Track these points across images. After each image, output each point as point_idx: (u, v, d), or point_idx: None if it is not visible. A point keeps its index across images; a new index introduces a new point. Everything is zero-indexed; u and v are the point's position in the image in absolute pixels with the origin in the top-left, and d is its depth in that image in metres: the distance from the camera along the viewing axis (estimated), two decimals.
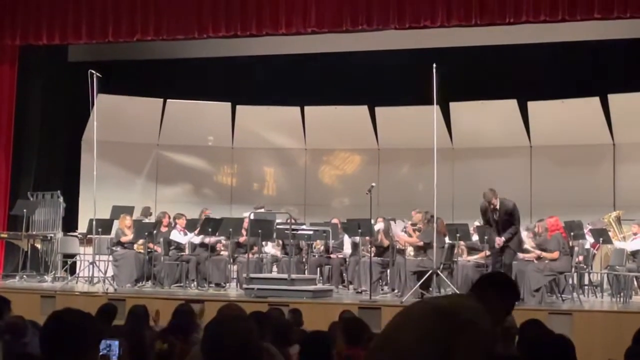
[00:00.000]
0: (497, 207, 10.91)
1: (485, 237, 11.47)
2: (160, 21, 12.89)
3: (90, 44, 13.86)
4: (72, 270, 13.73)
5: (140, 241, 12.82)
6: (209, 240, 12.61)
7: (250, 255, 12.47)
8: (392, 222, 12.23)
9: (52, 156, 15.52)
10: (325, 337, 5.04)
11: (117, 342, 3.11)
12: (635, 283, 11.71)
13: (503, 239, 10.68)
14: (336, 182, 16.89)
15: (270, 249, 13.61)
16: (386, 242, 12.37)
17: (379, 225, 12.43)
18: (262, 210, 13.96)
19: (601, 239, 12.39)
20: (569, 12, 11.32)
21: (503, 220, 10.81)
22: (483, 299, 3.27)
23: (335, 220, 13.43)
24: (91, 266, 12.52)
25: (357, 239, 12.45)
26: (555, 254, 11.00)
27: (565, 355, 3.12)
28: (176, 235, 12.90)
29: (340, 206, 15.99)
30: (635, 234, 12.51)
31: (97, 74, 12.28)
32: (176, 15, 12.85)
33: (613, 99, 14.33)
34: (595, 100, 14.40)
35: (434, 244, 10.87)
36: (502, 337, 4.94)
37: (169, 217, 13.24)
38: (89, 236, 13.22)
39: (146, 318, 6.27)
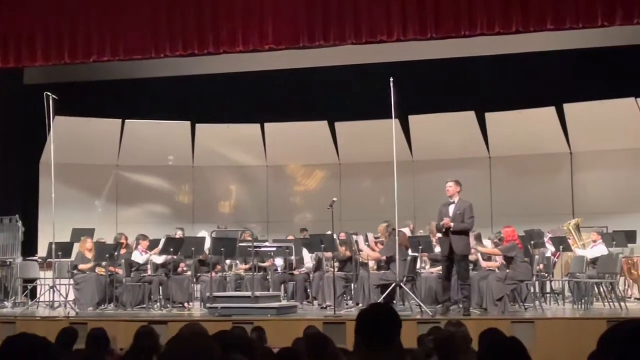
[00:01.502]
0: (455, 199, 10.92)
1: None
2: (116, 42, 12.79)
3: (46, 66, 13.71)
4: (33, 295, 13.52)
5: (103, 264, 12.67)
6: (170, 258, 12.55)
7: (214, 274, 12.40)
8: (353, 237, 12.25)
9: (10, 180, 15.30)
10: (291, 353, 5.02)
11: None
12: (596, 290, 11.84)
13: (451, 222, 10.47)
14: (298, 198, 16.90)
15: (238, 267, 13.56)
16: (348, 253, 12.37)
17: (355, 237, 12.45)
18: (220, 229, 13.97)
19: (561, 247, 12.54)
20: (523, 24, 11.44)
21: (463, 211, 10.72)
22: None
23: (291, 237, 13.48)
24: (52, 290, 12.35)
25: (321, 254, 12.45)
26: (495, 251, 11.26)
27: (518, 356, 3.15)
28: (137, 257, 12.79)
29: (302, 222, 15.99)
30: (594, 241, 12.68)
31: (54, 97, 12.16)
32: (133, 36, 12.76)
33: (569, 108, 14.55)
34: (552, 110, 14.60)
35: (397, 257, 10.89)
36: (458, 348, 4.97)
37: (126, 239, 13.14)
38: (49, 260, 13.05)
39: (106, 341, 6.18)
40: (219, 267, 13.00)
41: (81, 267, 12.67)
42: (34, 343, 2.54)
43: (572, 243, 13.06)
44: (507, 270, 10.93)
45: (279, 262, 13.23)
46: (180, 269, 13.04)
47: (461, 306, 10.56)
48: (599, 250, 12.39)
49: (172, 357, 2.75)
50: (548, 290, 12.89)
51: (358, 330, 3.41)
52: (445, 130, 15.28)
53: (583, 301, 11.50)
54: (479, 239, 12.08)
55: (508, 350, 3.22)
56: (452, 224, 10.47)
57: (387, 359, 3.28)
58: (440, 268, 12.25)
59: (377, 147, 14.26)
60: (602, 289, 11.78)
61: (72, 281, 12.77)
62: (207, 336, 2.95)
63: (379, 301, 10.71)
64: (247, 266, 13.20)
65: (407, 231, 12.99)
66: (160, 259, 12.75)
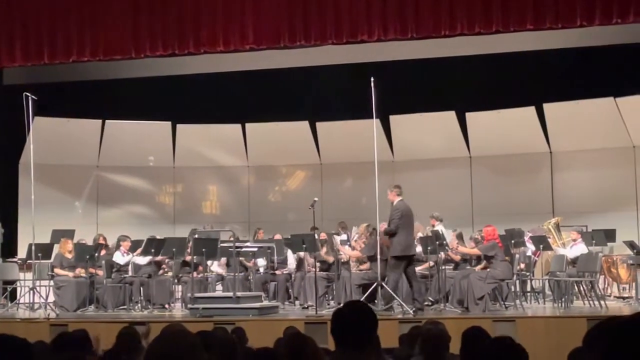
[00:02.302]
0: (394, 204, 11.07)
1: (429, 248, 11.58)
2: (96, 42, 12.73)
3: (25, 66, 13.62)
4: (12, 296, 13.42)
5: (80, 268, 12.61)
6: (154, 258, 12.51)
7: (195, 275, 12.37)
8: (334, 237, 12.27)
9: None
10: (272, 353, 5.01)
11: None
12: (576, 288, 11.92)
13: (385, 225, 10.86)
14: (280, 198, 16.88)
15: (216, 267, 13.52)
16: (331, 259, 12.40)
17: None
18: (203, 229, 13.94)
19: (541, 245, 12.62)
20: (503, 24, 11.50)
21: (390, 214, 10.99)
22: None
23: (277, 236, 13.43)
24: (32, 292, 12.27)
25: (302, 254, 12.46)
26: (475, 251, 11.34)
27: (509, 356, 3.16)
28: (118, 257, 12.74)
29: (284, 222, 15.97)
30: (574, 240, 12.76)
31: (33, 97, 12.10)
32: (112, 36, 12.70)
33: (548, 108, 14.63)
34: (531, 110, 14.68)
35: (378, 257, 10.92)
36: (446, 346, 4.99)
37: (105, 240, 13.10)
38: (28, 261, 12.95)
39: (87, 342, 6.14)
40: (200, 268, 12.96)
41: (59, 272, 12.56)
42: (12, 344, 2.53)
43: (552, 242, 13.14)
44: (488, 270, 10.99)
45: (262, 262, 13.21)
46: (161, 271, 13.00)
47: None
48: (579, 249, 12.47)
49: (155, 357, 2.75)
50: (528, 288, 12.96)
51: (333, 329, 3.42)
52: (426, 130, 15.33)
53: (563, 299, 11.57)
54: (460, 237, 12.13)
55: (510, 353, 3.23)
56: (385, 225, 10.85)
57: (364, 358, 3.29)
58: (421, 267, 12.32)
59: (358, 147, 14.29)
60: (581, 288, 11.85)
61: (51, 282, 12.69)
62: (191, 336, 2.94)
63: (360, 300, 10.74)
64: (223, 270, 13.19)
65: None
66: (144, 260, 12.70)
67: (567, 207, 14.70)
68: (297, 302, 12.66)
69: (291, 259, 13.18)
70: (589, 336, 1.92)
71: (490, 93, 14.99)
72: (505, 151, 15.18)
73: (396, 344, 6.77)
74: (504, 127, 14.85)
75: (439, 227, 12.62)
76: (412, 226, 11.20)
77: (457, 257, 12.09)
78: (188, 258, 12.71)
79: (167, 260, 12.97)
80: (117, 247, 12.90)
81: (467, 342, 4.76)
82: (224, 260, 13.26)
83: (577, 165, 14.98)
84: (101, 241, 13.08)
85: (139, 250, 12.56)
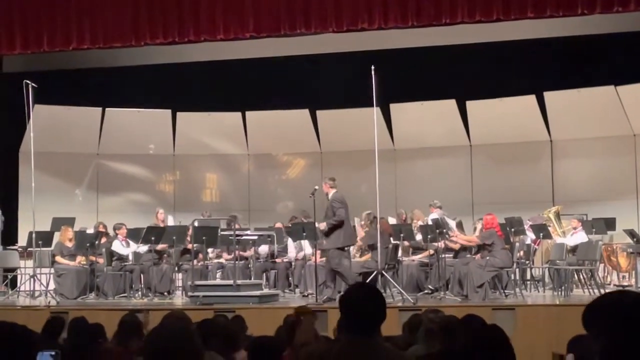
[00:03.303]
0: (329, 197, 11.11)
1: (429, 237, 11.60)
2: (96, 29, 12.70)
3: (25, 54, 13.59)
4: (13, 284, 13.45)
5: (80, 256, 12.64)
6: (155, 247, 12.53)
7: (195, 263, 12.38)
8: None
9: None
10: (273, 341, 5.03)
11: (53, 353, 3.05)
12: (576, 277, 11.93)
13: (324, 224, 10.91)
14: (280, 187, 16.88)
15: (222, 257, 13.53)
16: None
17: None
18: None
19: (541, 234, 12.63)
20: (504, 12, 11.48)
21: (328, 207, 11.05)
22: None
23: (279, 225, 13.42)
24: (32, 280, 12.30)
25: (306, 242, 12.48)
26: (473, 239, 11.43)
27: (499, 344, 3.15)
28: (118, 247, 12.75)
29: (284, 210, 15.98)
30: (574, 228, 12.77)
31: (33, 85, 12.08)
32: (112, 23, 12.68)
33: (549, 96, 14.61)
34: (532, 98, 14.67)
35: (378, 245, 10.93)
36: (442, 332, 5.00)
37: (104, 227, 13.12)
38: (29, 249, 12.96)
39: (86, 329, 6.18)
40: (200, 256, 12.97)
41: (59, 260, 12.59)
42: (11, 330, 2.54)
43: (552, 230, 13.15)
44: (488, 258, 11.00)
45: (263, 249, 13.20)
46: (164, 255, 13.02)
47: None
48: (579, 237, 12.48)
49: (153, 347, 2.76)
50: (528, 277, 12.98)
51: (343, 311, 3.36)
52: (426, 118, 15.31)
53: (563, 288, 11.59)
54: (460, 226, 12.15)
55: (489, 338, 3.22)
56: (324, 224, 10.91)
57: (369, 344, 3.28)
58: (421, 255, 12.34)
59: (359, 136, 14.28)
60: (581, 276, 11.88)
61: (52, 270, 12.71)
62: (189, 325, 2.95)
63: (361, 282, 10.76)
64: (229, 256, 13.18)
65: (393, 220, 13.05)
66: (144, 248, 12.71)
67: (568, 196, 14.70)
68: (297, 290, 12.68)
69: (291, 247, 13.19)
70: (587, 320, 1.88)
71: (490, 81, 14.96)
72: (505, 140, 15.17)
73: (397, 332, 6.78)
74: (504, 116, 14.83)
75: (438, 215, 12.64)
76: (349, 217, 11.19)
77: (456, 246, 12.11)
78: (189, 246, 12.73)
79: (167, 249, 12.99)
80: (115, 235, 12.93)
81: (464, 329, 4.77)
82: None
83: (577, 154, 14.97)
84: (101, 229, 13.10)
85: (140, 240, 12.56)
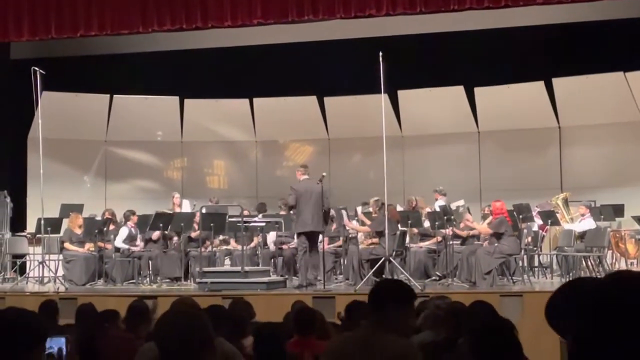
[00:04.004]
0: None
1: (437, 223, 11.61)
2: (103, 16, 12.69)
3: (32, 40, 13.60)
4: (22, 270, 13.52)
5: (89, 243, 12.70)
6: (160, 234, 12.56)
7: (203, 249, 12.41)
8: (342, 212, 12.28)
9: None
10: (277, 328, 5.04)
11: (63, 340, 3.07)
12: (584, 263, 11.92)
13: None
14: (287, 174, 16.86)
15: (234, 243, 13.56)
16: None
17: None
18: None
19: (549, 220, 12.61)
20: None
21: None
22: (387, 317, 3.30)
23: (283, 212, 13.47)
24: (41, 266, 12.35)
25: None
26: (485, 228, 11.39)
27: (508, 340, 3.15)
28: (124, 233, 12.77)
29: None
30: (582, 215, 12.74)
31: (41, 71, 12.08)
32: (120, 10, 12.66)
33: (557, 82, 14.55)
34: (540, 85, 14.61)
35: (386, 232, 10.94)
36: (447, 319, 5.00)
37: (112, 215, 13.15)
38: (37, 236, 13.02)
39: (95, 315, 6.21)
40: (207, 243, 13.00)
41: (68, 247, 12.64)
42: (22, 316, 2.55)
43: (560, 217, 13.13)
44: (496, 244, 11.00)
45: (271, 236, 13.20)
46: (173, 242, 13.07)
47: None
48: (587, 223, 12.46)
49: (164, 332, 2.77)
50: (536, 263, 12.97)
51: (372, 304, 3.38)
52: (434, 105, 15.27)
53: (571, 274, 11.58)
54: (468, 213, 12.14)
55: (496, 331, 3.22)
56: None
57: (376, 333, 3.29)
58: (428, 242, 12.35)
59: (366, 122, 14.27)
60: (589, 263, 11.86)
61: (61, 257, 12.77)
62: (200, 311, 2.96)
63: (367, 275, 10.80)
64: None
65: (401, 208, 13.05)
66: (154, 235, 12.75)
67: (576, 182, 14.66)
68: None
69: None
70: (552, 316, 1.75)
71: (499, 68, 14.92)
72: (513, 126, 15.12)
73: None
74: (512, 102, 14.78)
75: (443, 202, 12.66)
76: (310, 205, 11.23)
77: (464, 233, 12.10)
78: (194, 234, 12.76)
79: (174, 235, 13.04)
80: (125, 222, 12.97)
81: (473, 317, 4.77)
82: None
83: (585, 140, 14.92)
84: (108, 216, 13.13)
85: (140, 238, 12.67)
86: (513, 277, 11.45)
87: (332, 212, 12.86)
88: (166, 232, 12.75)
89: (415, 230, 12.46)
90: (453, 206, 12.21)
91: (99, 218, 13.29)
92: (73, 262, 12.45)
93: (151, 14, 12.56)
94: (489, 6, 11.52)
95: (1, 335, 2.47)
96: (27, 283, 12.63)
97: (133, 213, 13.03)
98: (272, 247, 13.11)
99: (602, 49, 14.22)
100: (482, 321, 3.33)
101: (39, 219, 12.34)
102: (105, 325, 5.84)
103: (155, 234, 12.68)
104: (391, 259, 10.87)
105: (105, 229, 12.55)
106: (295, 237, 11.64)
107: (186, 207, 13.99)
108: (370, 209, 12.40)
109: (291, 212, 11.74)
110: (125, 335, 5.74)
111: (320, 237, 12.19)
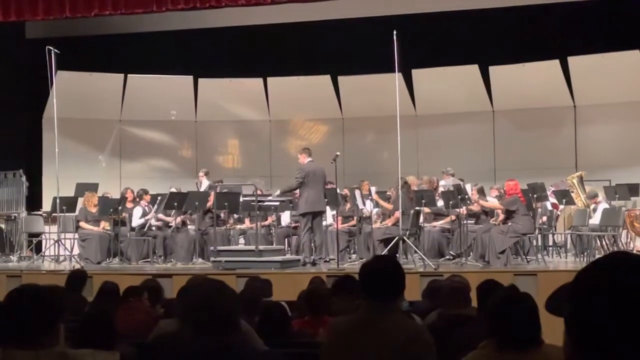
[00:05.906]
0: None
1: (451, 202, 11.61)
2: None
3: (47, 20, 13.61)
4: (38, 249, 13.62)
5: (104, 222, 12.77)
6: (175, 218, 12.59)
7: (218, 228, 12.45)
8: (356, 191, 12.28)
9: (13, 135, 15.30)
10: (280, 308, 5.06)
11: None
12: (598, 242, 11.88)
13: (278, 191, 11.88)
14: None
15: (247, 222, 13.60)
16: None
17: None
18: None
19: (564, 200, 12.55)
20: None
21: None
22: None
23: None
24: (57, 244, 12.43)
25: (327, 208, 12.52)
26: (497, 205, 11.50)
27: (531, 314, 3.14)
28: (137, 212, 12.81)
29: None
30: (596, 203, 12.59)
31: (56, 51, 12.09)
32: None
33: (573, 61, 14.45)
34: (555, 63, 14.51)
35: (400, 210, 10.95)
36: (456, 297, 5.02)
37: (133, 193, 13.19)
38: (53, 214, 13.09)
39: (116, 294, 6.27)
40: (223, 216, 13.02)
41: (84, 225, 12.71)
42: (41, 293, 2.58)
43: (575, 196, 13.07)
44: (510, 224, 10.97)
45: (286, 216, 13.23)
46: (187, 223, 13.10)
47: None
48: (602, 208, 12.33)
49: (193, 303, 2.80)
50: (550, 243, 12.95)
51: (362, 283, 3.40)
52: (449, 83, 15.20)
53: (585, 254, 11.56)
54: (481, 192, 12.11)
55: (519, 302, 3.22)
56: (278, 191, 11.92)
57: (390, 308, 3.30)
58: (442, 222, 12.34)
59: (380, 101, 14.25)
60: (604, 242, 11.82)
61: (76, 235, 12.84)
62: (228, 286, 2.98)
63: (382, 254, 10.81)
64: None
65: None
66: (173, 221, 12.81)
67: (591, 162, 14.59)
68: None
69: None
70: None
71: (513, 46, 14.83)
72: (528, 105, 15.05)
73: (418, 297, 6.81)
74: (527, 81, 14.70)
75: (451, 182, 12.66)
76: (319, 184, 11.34)
77: (477, 207, 12.01)
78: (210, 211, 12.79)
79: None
80: (139, 201, 13.01)
81: (482, 295, 4.79)
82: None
83: (601, 119, 14.84)
84: (128, 195, 13.14)
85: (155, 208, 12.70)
86: (527, 257, 11.44)
87: (346, 191, 12.89)
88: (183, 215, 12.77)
89: (427, 209, 12.44)
90: (468, 187, 12.18)
91: (116, 196, 13.32)
92: (88, 241, 12.52)
93: None
94: None
95: (21, 313, 2.50)
96: (42, 261, 12.72)
97: (146, 192, 13.07)
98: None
99: (618, 27, 14.10)
100: (501, 295, 3.33)
101: (55, 198, 12.41)
102: (129, 299, 5.89)
103: (177, 220, 12.68)
104: (405, 238, 10.88)
105: (119, 207, 12.57)
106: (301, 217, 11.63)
107: (205, 186, 14.04)
108: (390, 193, 12.38)
109: (295, 191, 11.75)
110: (150, 310, 5.81)
111: (333, 216, 12.24)
